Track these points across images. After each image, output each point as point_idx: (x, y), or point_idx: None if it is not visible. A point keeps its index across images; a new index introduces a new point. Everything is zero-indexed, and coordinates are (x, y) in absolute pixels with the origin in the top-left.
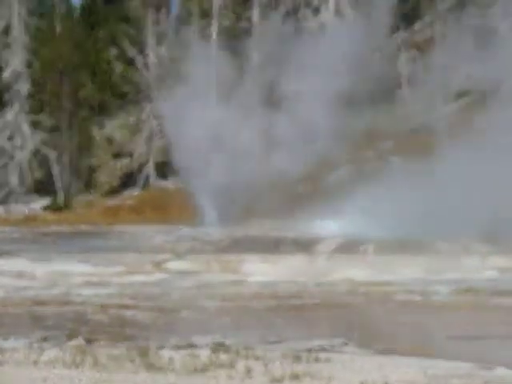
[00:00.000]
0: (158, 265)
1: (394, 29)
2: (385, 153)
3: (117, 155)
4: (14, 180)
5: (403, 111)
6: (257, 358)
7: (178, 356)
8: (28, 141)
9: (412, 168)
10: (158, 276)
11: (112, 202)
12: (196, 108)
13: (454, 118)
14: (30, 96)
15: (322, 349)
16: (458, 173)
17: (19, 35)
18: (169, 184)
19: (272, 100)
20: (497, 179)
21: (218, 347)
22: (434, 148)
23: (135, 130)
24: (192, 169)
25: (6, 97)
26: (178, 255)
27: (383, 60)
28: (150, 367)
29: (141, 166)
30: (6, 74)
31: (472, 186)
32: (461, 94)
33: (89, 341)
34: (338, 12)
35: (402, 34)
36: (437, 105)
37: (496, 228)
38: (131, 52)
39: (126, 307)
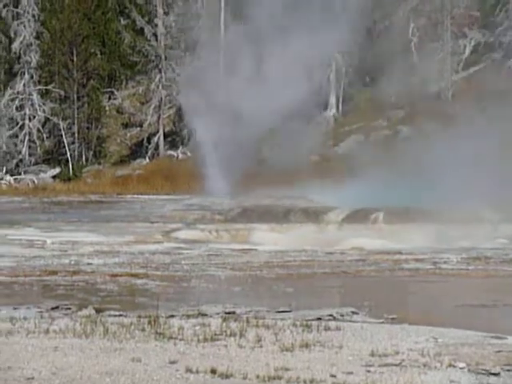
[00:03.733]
0: (167, 234)
1: None
2: (395, 122)
3: (126, 125)
4: (23, 150)
5: (414, 80)
6: (267, 327)
7: (188, 325)
8: (38, 111)
9: (422, 137)
10: (167, 245)
11: (121, 171)
12: (206, 76)
13: (464, 86)
14: (40, 66)
15: (332, 318)
16: (468, 141)
17: (28, 6)
18: (178, 154)
19: (280, 67)
20: (508, 148)
21: (228, 316)
22: (446, 117)
23: (145, 99)
24: (202, 137)
25: (16, 67)
26: (188, 224)
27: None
28: (160, 336)
29: (150, 136)
30: (16, 45)
31: (483, 154)
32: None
33: (99, 310)
34: None
35: (411, 2)
36: (447, 73)
37: (507, 196)
38: (140, 22)
39: (136, 276)
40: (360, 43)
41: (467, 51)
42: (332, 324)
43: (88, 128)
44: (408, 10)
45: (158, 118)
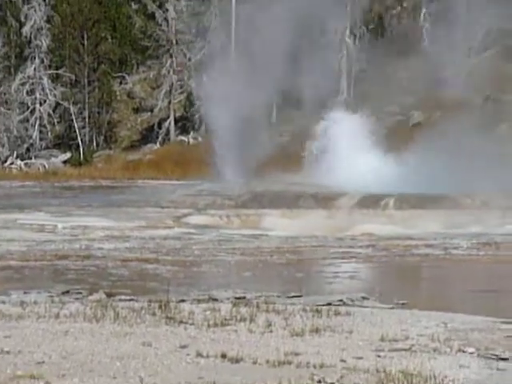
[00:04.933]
0: (178, 219)
1: None
2: (407, 108)
3: (137, 110)
4: (34, 134)
5: (426, 66)
6: (277, 312)
7: (199, 310)
8: (48, 95)
9: (433, 123)
10: (178, 230)
11: (132, 156)
12: (217, 61)
13: (477, 72)
14: (50, 51)
15: (342, 303)
16: (480, 128)
17: None
18: (189, 139)
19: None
20: None
21: (239, 301)
22: (456, 103)
23: (155, 84)
24: (213, 123)
25: (27, 52)
26: (199, 210)
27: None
28: (171, 321)
29: (161, 121)
30: (27, 29)
31: (493, 141)
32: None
33: (109, 295)
34: None
35: None
36: (459, 59)
37: None
38: (151, 6)
39: (147, 261)
40: (372, 28)
41: (479, 37)
42: (342, 309)
43: (99, 113)
44: None
45: (169, 102)
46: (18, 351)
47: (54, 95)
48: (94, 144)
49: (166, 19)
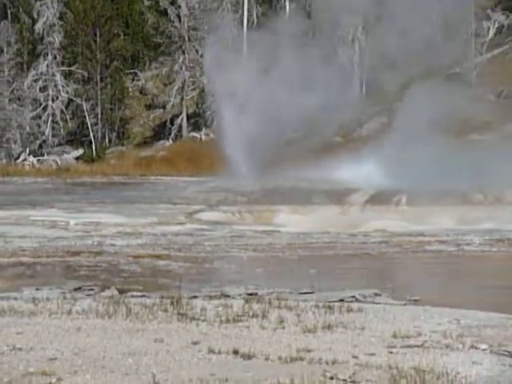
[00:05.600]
0: (190, 215)
1: None
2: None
3: (149, 106)
4: (46, 131)
5: (437, 62)
6: (289, 308)
7: (211, 306)
8: (61, 92)
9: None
10: (190, 226)
11: (144, 153)
12: (229, 59)
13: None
14: (63, 47)
15: (355, 299)
16: (490, 123)
17: None
18: (201, 135)
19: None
20: None
21: (251, 297)
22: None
23: (168, 81)
24: (226, 119)
25: (39, 48)
26: (211, 206)
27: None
28: (183, 317)
29: (173, 118)
30: (39, 26)
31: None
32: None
33: (122, 291)
34: None
35: None
36: (470, 54)
37: None
38: (163, 3)
39: (159, 257)
40: (384, 25)
41: (491, 33)
42: (354, 305)
43: (111, 109)
44: None
45: (182, 99)
46: (30, 348)
47: (67, 92)
48: (107, 140)
49: (178, 16)
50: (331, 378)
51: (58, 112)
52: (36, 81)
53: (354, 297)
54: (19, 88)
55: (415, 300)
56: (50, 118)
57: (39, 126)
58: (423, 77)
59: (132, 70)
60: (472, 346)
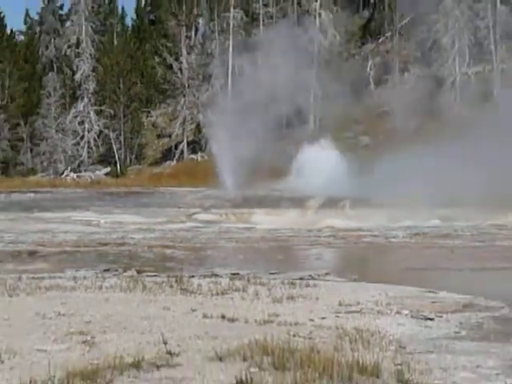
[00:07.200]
0: (189, 216)
1: (364, 41)
2: (358, 133)
3: (159, 136)
4: (83, 154)
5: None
6: (263, 284)
7: (205, 283)
8: (94, 125)
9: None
10: (189, 224)
11: (156, 170)
12: (218, 99)
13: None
14: (95, 92)
15: (311, 277)
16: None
17: (87, 47)
18: (198, 157)
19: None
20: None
21: (234, 276)
22: (393, 130)
23: (173, 117)
24: (217, 146)
25: (78, 93)
26: (205, 209)
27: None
28: (184, 291)
29: (177, 144)
30: (77, 76)
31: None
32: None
33: (139, 272)
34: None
35: (369, 46)
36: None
37: (441, 187)
38: (169, 59)
39: (167, 247)
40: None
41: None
42: (311, 282)
43: (131, 138)
44: (367, 51)
45: (183, 130)
46: (71, 314)
47: (98, 125)
48: (128, 161)
49: (180, 69)
50: (294, 336)
51: (92, 140)
52: (75, 117)
53: (310, 275)
54: (63, 122)
55: (355, 278)
56: (86, 145)
57: (78, 150)
58: None
59: (146, 109)
60: (397, 312)
